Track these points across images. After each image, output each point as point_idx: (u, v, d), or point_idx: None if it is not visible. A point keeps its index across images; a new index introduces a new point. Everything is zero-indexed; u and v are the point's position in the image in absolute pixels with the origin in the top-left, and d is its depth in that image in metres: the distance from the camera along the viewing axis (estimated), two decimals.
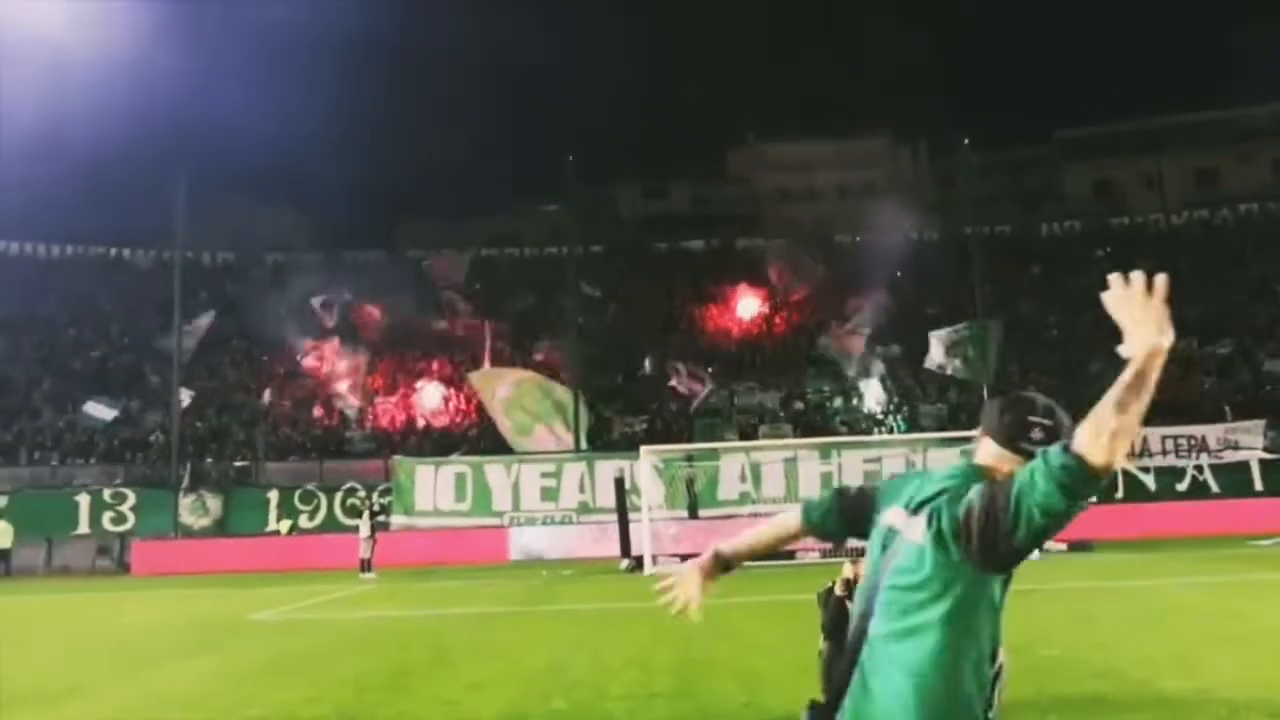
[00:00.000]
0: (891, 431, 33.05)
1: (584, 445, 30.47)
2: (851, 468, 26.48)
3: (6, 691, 9.27)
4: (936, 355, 32.10)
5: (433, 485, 28.81)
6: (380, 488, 29.36)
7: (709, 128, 77.45)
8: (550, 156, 63.41)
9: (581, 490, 28.46)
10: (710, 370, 37.96)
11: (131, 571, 27.71)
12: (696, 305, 41.23)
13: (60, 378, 38.64)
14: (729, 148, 63.75)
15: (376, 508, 24.46)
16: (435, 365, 37.93)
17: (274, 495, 29.73)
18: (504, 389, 33.55)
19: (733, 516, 25.39)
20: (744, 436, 32.46)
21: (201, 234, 39.80)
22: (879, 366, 37.29)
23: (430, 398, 36.94)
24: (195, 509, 29.54)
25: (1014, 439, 2.47)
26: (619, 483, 23.57)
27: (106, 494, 29.67)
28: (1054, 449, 2.25)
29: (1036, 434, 2.46)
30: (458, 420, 36.67)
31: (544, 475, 28.70)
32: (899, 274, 41.08)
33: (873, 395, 36.27)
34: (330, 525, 28.66)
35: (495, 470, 28.87)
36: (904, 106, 70.52)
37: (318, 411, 37.30)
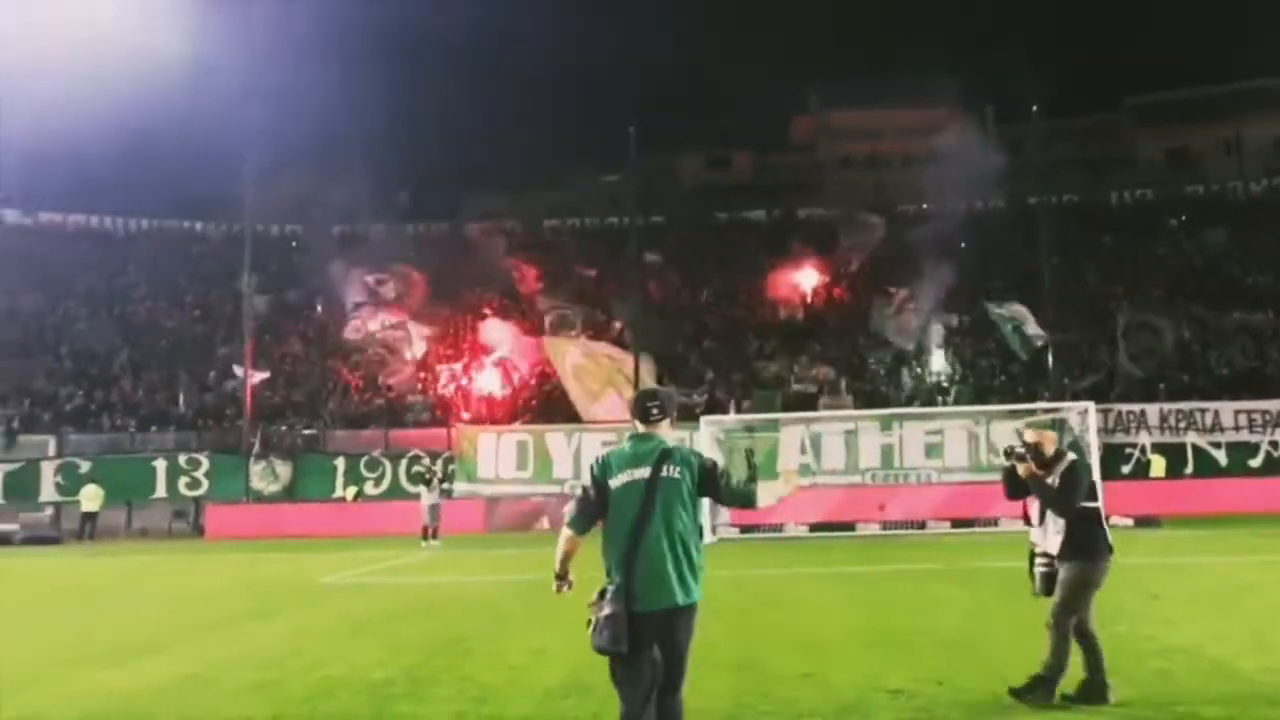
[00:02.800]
0: (954, 403, 32.57)
1: None
2: (913, 440, 26.16)
3: (89, 649, 9.63)
4: (1032, 328, 31.48)
5: (495, 453, 29.13)
6: (444, 456, 29.78)
7: (772, 95, 76.35)
8: (612, 126, 63.29)
9: None
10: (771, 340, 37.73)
11: (205, 535, 28.54)
12: (757, 275, 40.90)
13: (137, 348, 39.75)
14: (793, 115, 62.93)
15: (441, 475, 24.82)
16: (497, 335, 38.17)
17: (340, 463, 30.33)
18: (575, 356, 33.73)
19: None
20: (804, 408, 32.23)
21: (269, 207, 40.43)
22: (940, 337, 36.73)
23: (492, 368, 37.26)
24: (265, 475, 30.26)
25: (641, 416, 4.75)
26: None
27: (182, 460, 30.53)
28: (744, 487, 4.83)
29: (653, 411, 4.74)
30: (519, 389, 36.96)
31: (605, 445, 28.73)
32: (963, 244, 40.30)
33: (935, 366, 35.78)
34: (395, 492, 29.16)
35: (556, 439, 29.10)
36: (970, 72, 68.95)
37: (382, 381, 37.85)
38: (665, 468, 4.57)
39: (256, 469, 30.18)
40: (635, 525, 4.50)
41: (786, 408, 32.45)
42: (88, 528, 28.17)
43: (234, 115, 36.97)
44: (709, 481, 4.67)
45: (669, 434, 4.69)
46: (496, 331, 38.25)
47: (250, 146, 32.19)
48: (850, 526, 22.40)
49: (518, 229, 47.89)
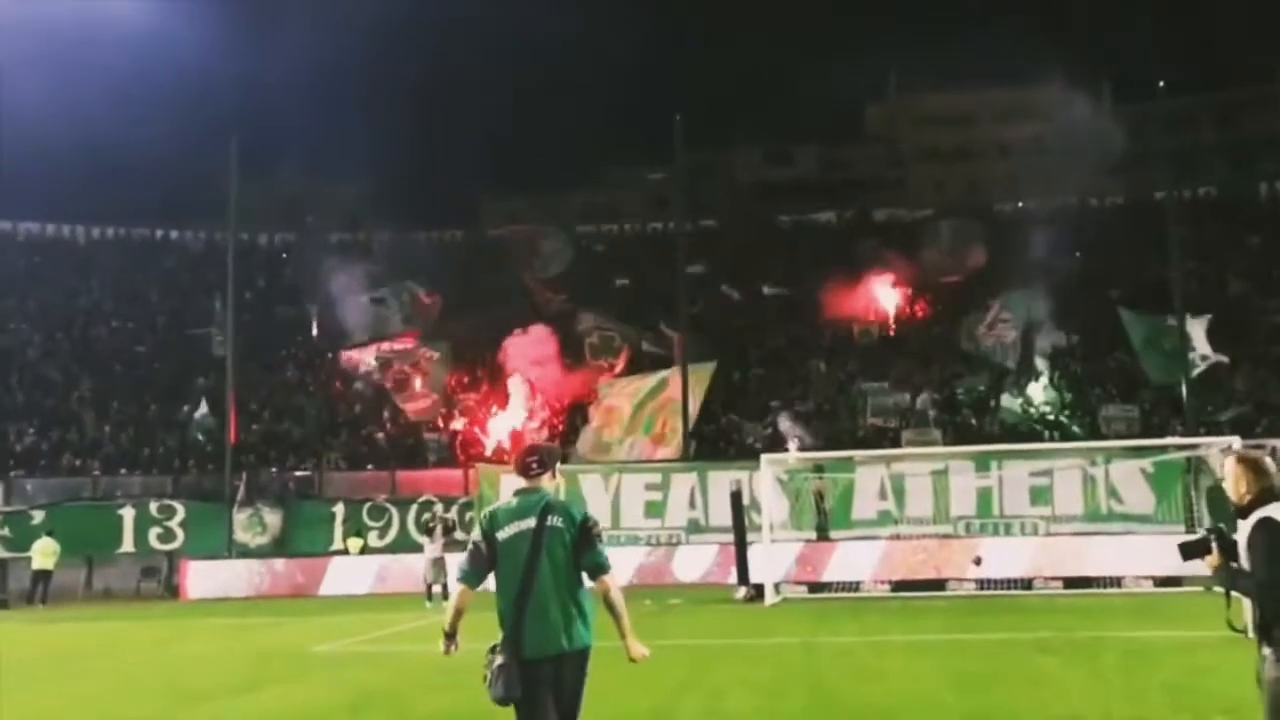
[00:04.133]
0: (1064, 438, 32.19)
1: (689, 452, 30.49)
2: (1015, 482, 25.83)
3: None
4: (1201, 345, 30.87)
5: None
6: (460, 502, 29.89)
7: (842, 78, 75.57)
8: (655, 117, 63.67)
9: (692, 505, 28.44)
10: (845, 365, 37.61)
11: (180, 595, 28.84)
12: (826, 288, 40.83)
13: (100, 376, 40.40)
14: (867, 101, 62.97)
15: (450, 523, 24.90)
16: (523, 360, 38.40)
17: (339, 509, 30.56)
18: (623, 398, 34.01)
19: (871, 539, 25.10)
20: (883, 444, 32.02)
21: (257, 212, 41.12)
22: (1046, 359, 36.38)
23: (518, 397, 37.47)
24: (251, 525, 30.54)
25: (523, 471, 5.75)
26: (736, 497, 23.50)
27: (153, 507, 30.79)
28: (605, 563, 5.57)
29: (534, 466, 5.72)
30: (549, 423, 37.11)
31: (648, 487, 28.78)
32: (1075, 250, 39.95)
33: (1039, 394, 35.38)
34: (403, 544, 29.30)
35: (592, 481, 29.08)
36: (1082, 42, 68.47)
37: (388, 414, 38.19)
38: (549, 518, 5.54)
39: (241, 518, 30.46)
40: (523, 575, 5.44)
41: (862, 444, 32.26)
42: (40, 588, 28.24)
43: (214, 107, 37.83)
44: (581, 537, 5.56)
45: (550, 486, 5.76)
46: (522, 355, 38.49)
47: (233, 142, 32.66)
48: (939, 585, 22.18)
49: (546, 236, 48.25)
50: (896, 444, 32.28)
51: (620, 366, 38.31)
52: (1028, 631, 15.19)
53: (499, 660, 5.36)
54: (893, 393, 36.29)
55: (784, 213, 50.66)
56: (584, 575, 5.58)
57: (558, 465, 5.93)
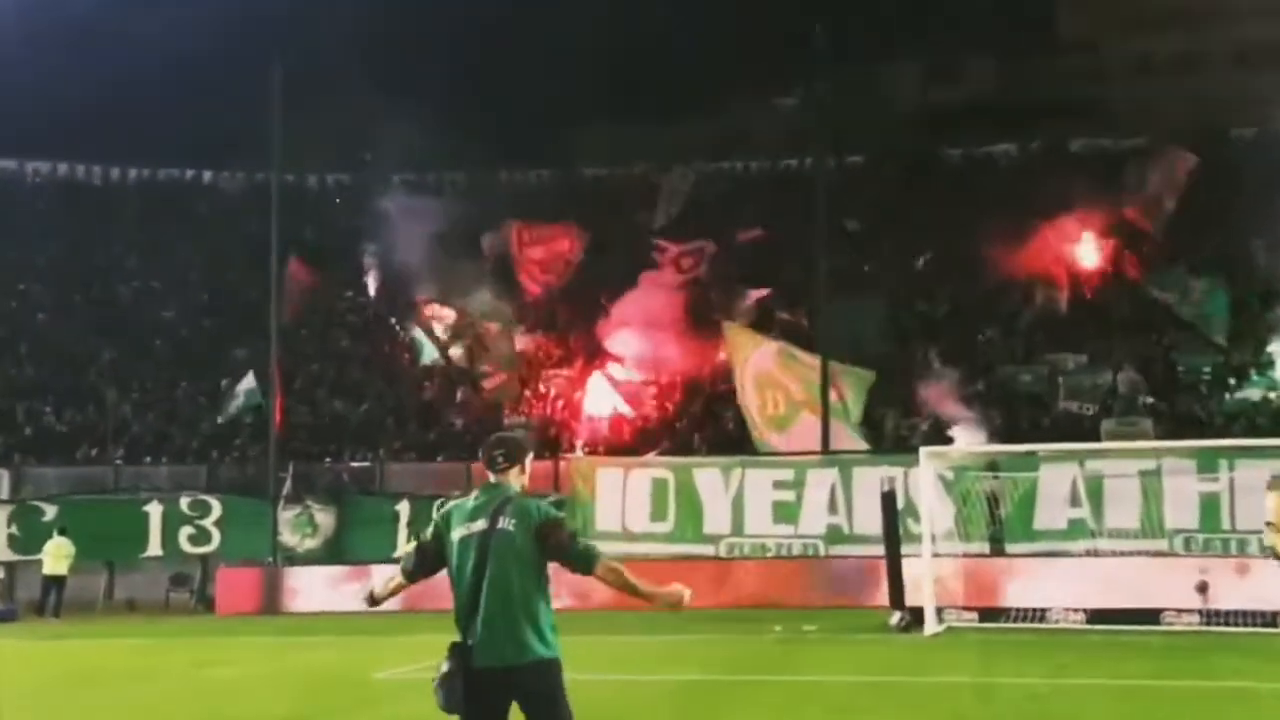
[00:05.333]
0: None
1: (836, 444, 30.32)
2: (1252, 488, 25.01)
3: None
4: None
5: (620, 496, 29.32)
6: (550, 500, 30.11)
7: None
8: (790, 29, 62.86)
9: (832, 509, 28.23)
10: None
11: (216, 609, 29.56)
12: (1005, 238, 40.06)
13: (123, 346, 41.57)
14: None
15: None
16: (628, 327, 38.53)
17: (404, 507, 30.98)
18: (766, 359, 33.64)
19: (1058, 555, 24.61)
20: (1077, 435, 31.39)
21: (305, 149, 41.74)
22: None
23: (621, 373, 37.60)
24: (299, 525, 31.10)
25: (488, 465, 6.22)
26: (888, 499, 23.27)
27: (184, 503, 31.40)
28: (589, 553, 6.16)
29: (499, 459, 6.23)
30: (659, 404, 37.21)
31: (778, 485, 28.65)
32: None
33: None
34: None
35: (709, 477, 29.07)
36: None
37: (462, 394, 38.63)
38: (500, 520, 6.03)
39: (287, 517, 31.02)
40: (471, 582, 6.01)
41: (1050, 435, 31.70)
42: (52, 597, 29.07)
43: (255, 25, 38.44)
44: (543, 538, 6.04)
45: (519, 483, 6.27)
46: (626, 322, 38.61)
47: (276, 66, 33.16)
48: (1151, 617, 21.66)
49: (656, 176, 48.24)
50: (1094, 436, 31.60)
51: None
52: (1269, 680, 14.78)
53: (444, 668, 5.96)
54: (1090, 371, 35.62)
55: (951, 145, 49.87)
56: (578, 573, 6.18)
57: (528, 459, 6.40)
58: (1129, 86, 55.93)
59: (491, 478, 6.28)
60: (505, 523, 6.02)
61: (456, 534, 6.11)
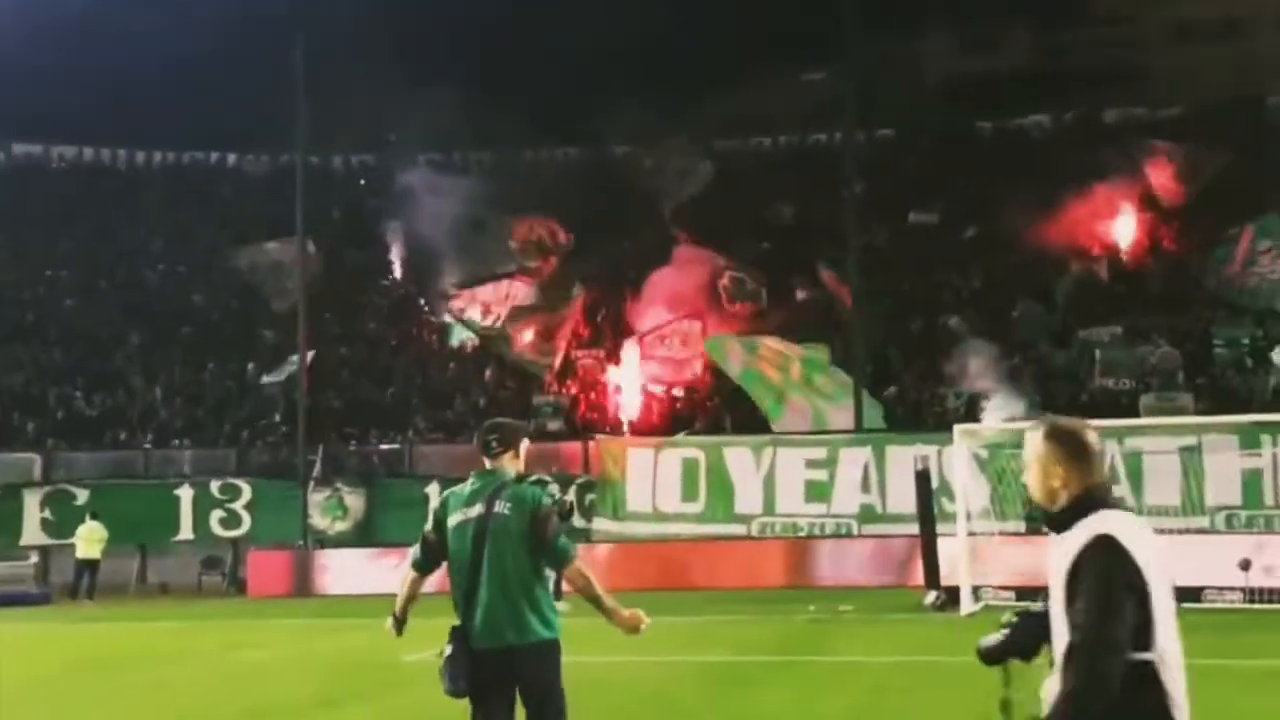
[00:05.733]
0: None
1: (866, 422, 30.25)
2: None
3: None
4: None
5: (651, 477, 29.31)
6: (579, 481, 30.15)
7: None
8: (818, 1, 62.47)
9: (865, 488, 28.17)
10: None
11: (248, 591, 29.84)
12: (1039, 211, 39.79)
13: (151, 330, 41.80)
14: None
15: (568, 506, 25.12)
16: (658, 305, 38.50)
17: (433, 489, 31.03)
18: (739, 354, 33.97)
19: None
20: (1114, 412, 31.19)
21: (330, 129, 41.83)
22: None
23: (648, 353, 37.55)
24: (329, 508, 31.30)
25: (483, 450, 6.56)
26: (923, 478, 23.19)
27: (214, 487, 31.82)
28: (566, 553, 6.42)
29: (493, 444, 6.53)
30: (688, 384, 37.17)
31: (811, 464, 28.58)
32: None
33: None
34: None
35: (740, 456, 29.01)
36: None
37: (491, 374, 38.68)
38: (496, 504, 6.32)
39: (317, 500, 31.28)
40: (469, 566, 6.29)
41: (1087, 411, 31.50)
42: (85, 580, 29.47)
43: (276, 5, 38.41)
44: (532, 528, 6.30)
45: (513, 467, 6.56)
46: (656, 300, 38.57)
47: (298, 47, 33.17)
48: (1192, 595, 21.47)
49: (683, 153, 48.08)
50: (1133, 411, 31.36)
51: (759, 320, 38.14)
52: None
53: (447, 651, 6.27)
54: (1128, 345, 35.32)
55: (984, 117, 49.50)
56: (548, 568, 6.46)
57: (523, 444, 6.69)
58: (1164, 54, 55.31)
59: (486, 463, 6.54)
60: (501, 507, 6.29)
61: (453, 520, 6.37)
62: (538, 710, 6.33)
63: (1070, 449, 4.08)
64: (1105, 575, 3.81)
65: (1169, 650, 3.86)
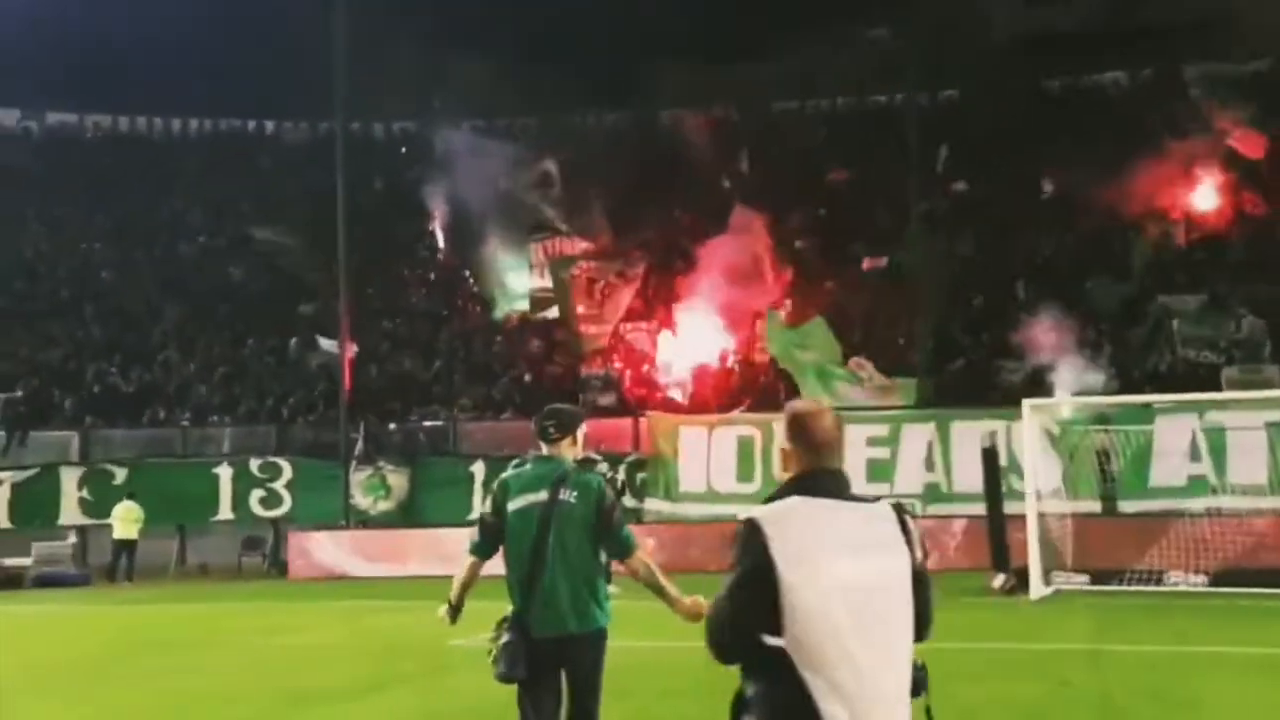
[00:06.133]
0: None
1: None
2: None
3: None
4: None
5: (705, 455, 29.30)
6: (630, 460, 30.16)
7: None
8: None
9: (929, 466, 28.11)
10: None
11: (288, 573, 30.10)
12: (1114, 173, 39.36)
13: (189, 305, 42.16)
14: None
15: (619, 485, 25.25)
16: (712, 276, 38.43)
17: (479, 468, 31.18)
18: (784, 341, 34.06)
19: (1177, 514, 24.21)
20: (1196, 385, 30.84)
21: (370, 96, 41.92)
22: None
23: (704, 325, 37.50)
24: (372, 487, 31.49)
25: (540, 435, 6.71)
26: (990, 455, 23.06)
27: (254, 466, 32.12)
28: (630, 542, 6.67)
29: (551, 430, 6.67)
30: (745, 358, 37.10)
31: (871, 442, 28.46)
32: None
33: None
34: None
35: None
36: None
37: (539, 346, 38.74)
38: (562, 491, 6.52)
39: (359, 479, 31.47)
40: (532, 552, 6.47)
41: (1166, 385, 31.19)
42: (124, 561, 30.02)
43: None
44: (599, 518, 6.55)
45: (571, 453, 6.77)
46: (709, 271, 38.49)
47: (339, 9, 33.21)
48: None
49: (737, 117, 47.90)
50: (1215, 385, 30.98)
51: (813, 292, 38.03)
52: None
53: (505, 638, 6.46)
54: (1210, 316, 34.91)
55: (1054, 75, 48.98)
56: (606, 557, 6.68)
57: (581, 429, 6.86)
58: (1249, 4, 54.34)
59: (544, 449, 6.73)
60: (566, 495, 6.50)
61: (514, 505, 6.57)
62: (582, 695, 6.55)
63: (794, 432, 4.19)
64: (736, 556, 3.96)
65: (812, 641, 3.83)
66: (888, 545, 4.04)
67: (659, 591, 6.52)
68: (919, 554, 4.13)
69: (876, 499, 4.14)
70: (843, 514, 4.01)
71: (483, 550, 6.78)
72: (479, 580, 6.84)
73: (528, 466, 6.75)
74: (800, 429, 4.17)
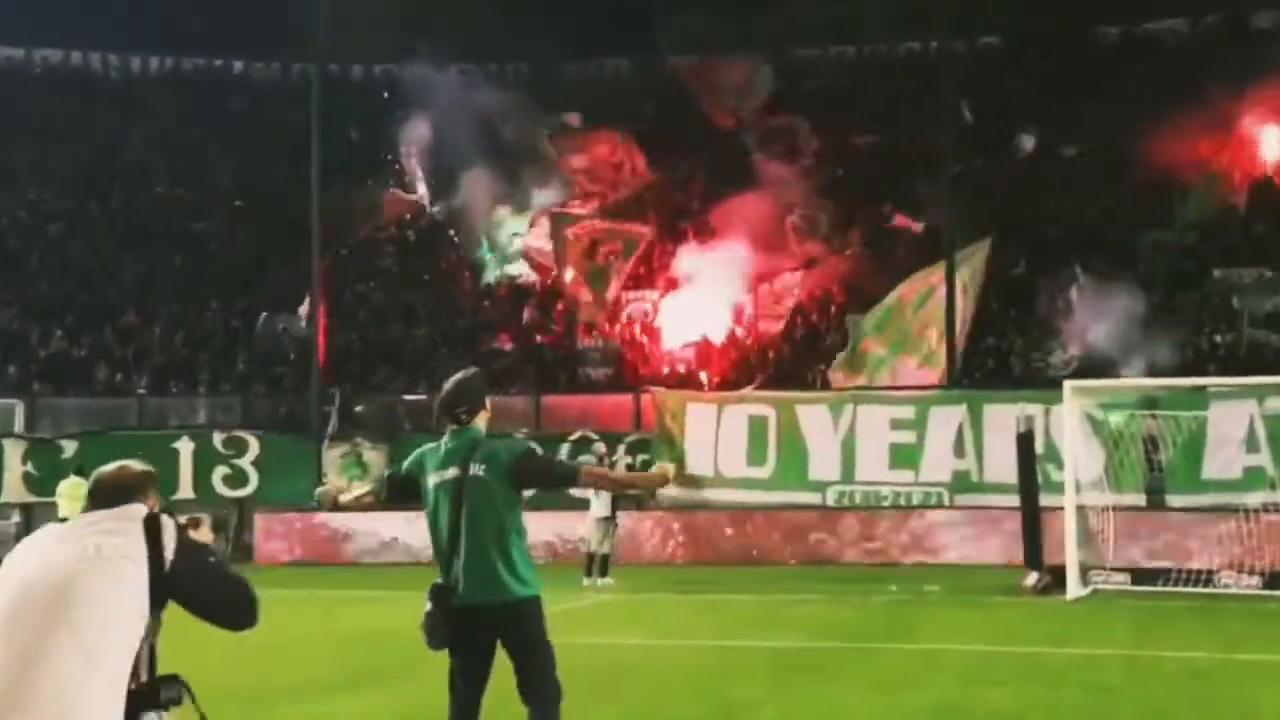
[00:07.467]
0: None
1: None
2: None
3: None
4: None
5: (713, 436, 29.33)
6: (630, 439, 30.20)
7: None
8: None
9: (959, 452, 28.07)
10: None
11: (254, 558, 30.08)
12: (1170, 133, 39.33)
13: (147, 262, 42.11)
14: None
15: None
16: (721, 240, 38.48)
17: None
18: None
19: (1231, 509, 24.25)
20: (1254, 368, 30.87)
21: (349, 35, 41.80)
22: None
23: (714, 294, 37.53)
24: (347, 466, 31.49)
25: (453, 422, 7.41)
26: (1025, 441, 23.10)
27: (217, 440, 32.05)
28: (571, 468, 9.12)
29: (463, 416, 7.40)
30: (757, 330, 37.15)
31: (896, 425, 28.50)
32: None
33: None
34: (551, 496, 29.78)
35: (815, 414, 28.95)
36: None
37: (531, 315, 38.76)
38: (471, 466, 7.20)
39: (333, 456, 31.52)
40: (449, 527, 7.18)
41: (1224, 366, 31.21)
42: None
43: None
44: (525, 472, 7.38)
45: (483, 422, 7.48)
46: (718, 235, 38.51)
47: None
48: None
49: (750, 66, 47.75)
50: (1277, 368, 31.05)
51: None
52: None
53: (427, 607, 7.11)
54: (1273, 289, 34.93)
55: (1108, 21, 48.81)
56: (567, 489, 8.33)
57: (488, 399, 7.59)
58: None
59: (456, 427, 7.40)
60: (476, 468, 7.17)
61: (431, 480, 7.29)
62: (522, 664, 7.15)
63: None
64: None
65: None
66: None
67: (629, 486, 7.79)
68: None
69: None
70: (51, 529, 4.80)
71: (380, 497, 7.87)
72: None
73: (442, 443, 7.37)
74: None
